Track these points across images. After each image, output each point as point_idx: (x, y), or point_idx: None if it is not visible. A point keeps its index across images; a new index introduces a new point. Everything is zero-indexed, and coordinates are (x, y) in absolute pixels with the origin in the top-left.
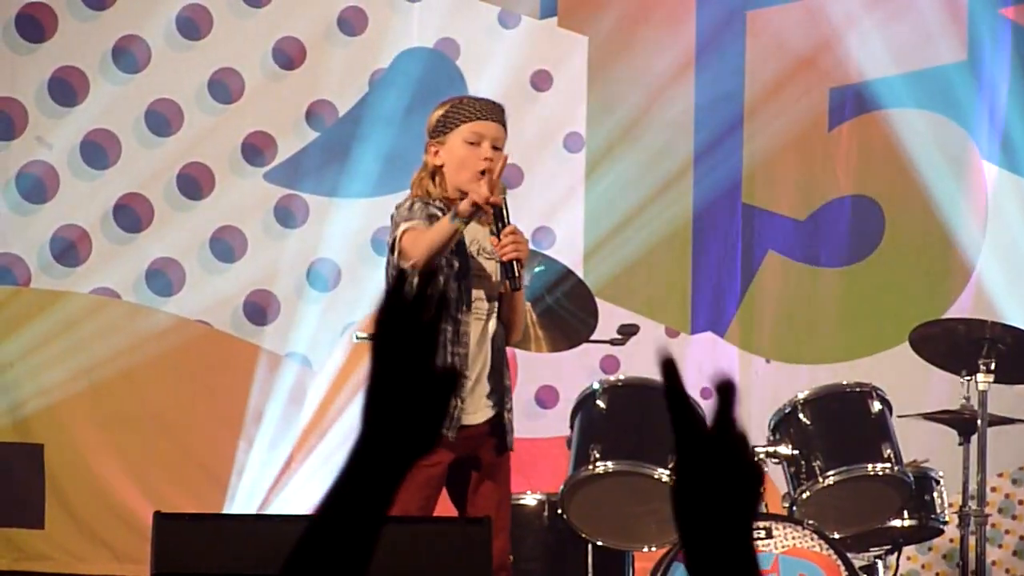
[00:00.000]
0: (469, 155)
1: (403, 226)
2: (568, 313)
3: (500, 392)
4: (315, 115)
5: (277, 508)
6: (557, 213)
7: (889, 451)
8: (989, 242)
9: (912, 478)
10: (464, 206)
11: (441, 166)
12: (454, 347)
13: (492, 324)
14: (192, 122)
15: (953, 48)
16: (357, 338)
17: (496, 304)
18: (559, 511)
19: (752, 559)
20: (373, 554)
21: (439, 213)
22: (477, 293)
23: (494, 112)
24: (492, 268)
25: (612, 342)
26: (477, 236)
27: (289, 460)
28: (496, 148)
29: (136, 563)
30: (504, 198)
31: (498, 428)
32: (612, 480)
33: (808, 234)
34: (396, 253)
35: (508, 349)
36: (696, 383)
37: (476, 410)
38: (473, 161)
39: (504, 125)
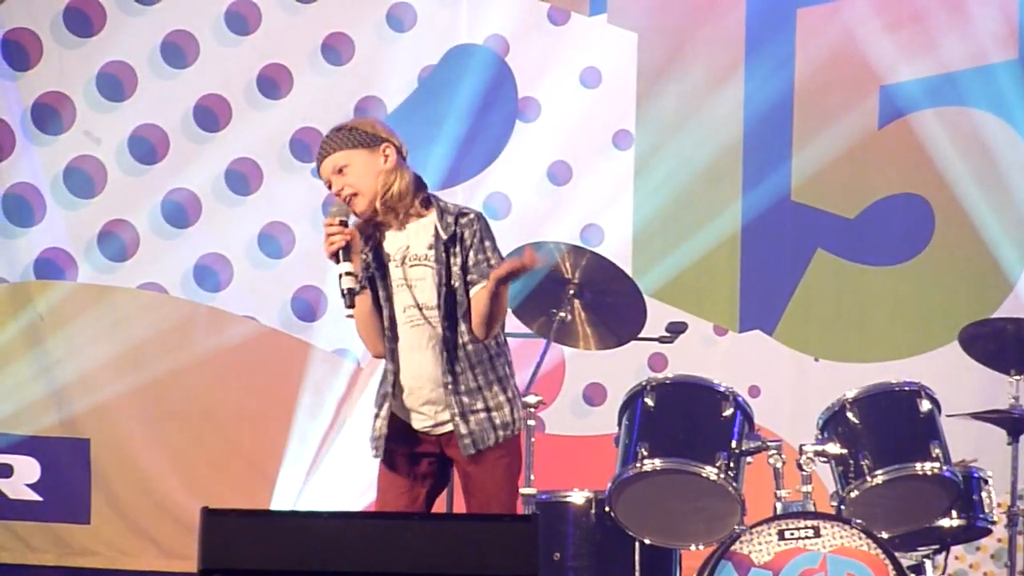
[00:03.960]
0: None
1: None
2: (616, 310)
3: (459, 396)
4: (364, 111)
5: (324, 504)
6: (606, 211)
7: (938, 450)
8: None
9: (960, 478)
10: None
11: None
12: (389, 362)
13: (435, 330)
14: (241, 118)
15: (1004, 47)
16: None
17: (443, 310)
18: (607, 509)
19: None
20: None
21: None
22: (407, 301)
23: (321, 151)
24: (424, 274)
25: (660, 340)
26: (408, 243)
27: (336, 457)
28: (340, 172)
29: (182, 559)
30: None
31: (457, 430)
32: (660, 478)
33: (858, 233)
34: None
35: (558, 348)
36: (744, 381)
37: (422, 417)
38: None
39: (335, 147)
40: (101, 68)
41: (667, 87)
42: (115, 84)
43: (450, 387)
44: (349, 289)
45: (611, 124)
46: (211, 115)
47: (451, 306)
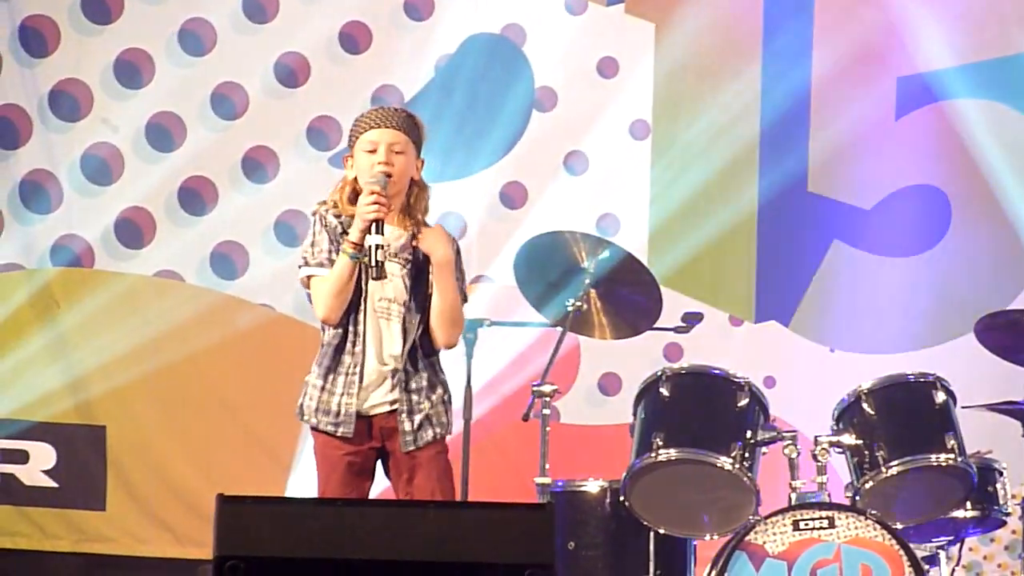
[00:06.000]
0: (367, 164)
1: (306, 271)
2: (632, 300)
3: (408, 392)
4: (381, 100)
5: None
6: (622, 200)
7: (952, 442)
8: None
9: (975, 469)
10: (357, 238)
11: (355, 178)
12: (352, 344)
13: (401, 325)
14: (257, 105)
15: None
16: None
17: (412, 307)
18: (621, 498)
19: None
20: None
21: (337, 224)
22: (382, 292)
23: (389, 119)
24: (397, 271)
25: (676, 330)
26: (390, 240)
27: None
28: (397, 152)
29: (198, 546)
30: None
31: (401, 426)
32: (674, 468)
33: (874, 223)
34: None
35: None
36: (760, 371)
37: (376, 403)
38: (369, 168)
39: (404, 129)
40: (118, 55)
41: (684, 77)
42: (132, 71)
43: (402, 384)
44: (380, 262)
45: (628, 114)
46: (228, 103)
47: (418, 306)
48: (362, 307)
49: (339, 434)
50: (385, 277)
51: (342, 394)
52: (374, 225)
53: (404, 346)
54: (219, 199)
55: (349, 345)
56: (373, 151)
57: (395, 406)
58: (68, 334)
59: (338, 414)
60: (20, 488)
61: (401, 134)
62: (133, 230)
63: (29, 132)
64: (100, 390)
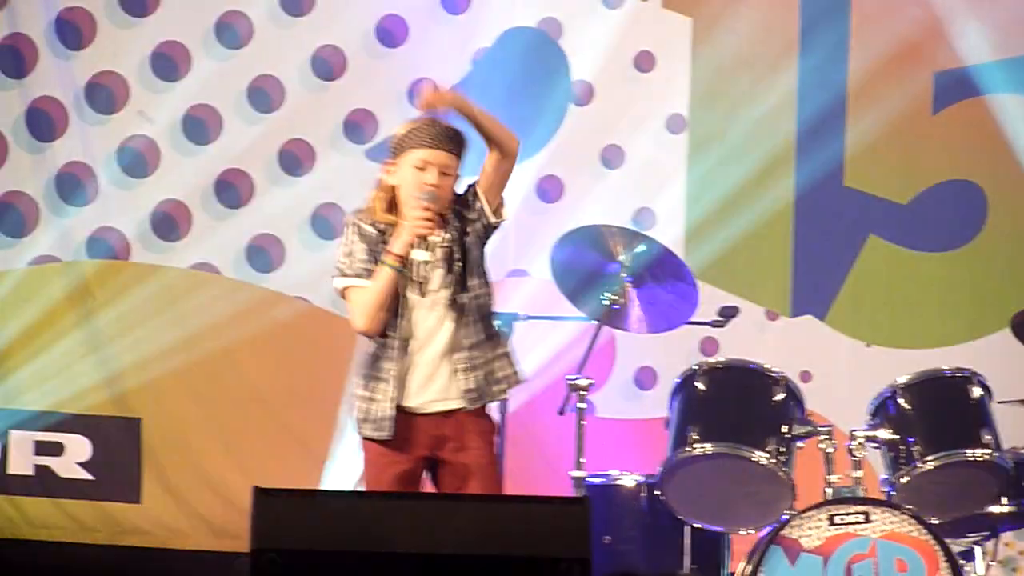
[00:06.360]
0: (414, 180)
1: (343, 283)
2: (668, 294)
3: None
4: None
5: None
6: (658, 194)
7: (988, 437)
8: None
9: (1011, 464)
10: (401, 251)
11: (394, 186)
12: (392, 350)
13: (445, 321)
14: (294, 98)
15: None
16: None
17: (453, 302)
18: (657, 492)
19: None
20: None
21: (375, 233)
22: (424, 291)
23: (445, 141)
24: (437, 278)
25: (712, 324)
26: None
27: None
28: (445, 175)
29: (233, 538)
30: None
31: (458, 418)
32: (710, 462)
33: (910, 218)
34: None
35: (608, 331)
36: (796, 366)
37: (429, 400)
38: (416, 187)
39: (457, 153)
40: (155, 48)
41: (721, 71)
42: (169, 64)
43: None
44: (426, 277)
45: (664, 108)
46: (264, 95)
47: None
48: (403, 312)
49: (381, 438)
50: (427, 295)
51: (386, 399)
52: (420, 241)
53: (451, 339)
54: (255, 192)
55: (390, 351)
56: (423, 169)
57: (447, 404)
58: (104, 327)
59: (380, 420)
60: (56, 481)
61: (454, 158)
62: (169, 223)
63: (66, 124)
64: (135, 382)
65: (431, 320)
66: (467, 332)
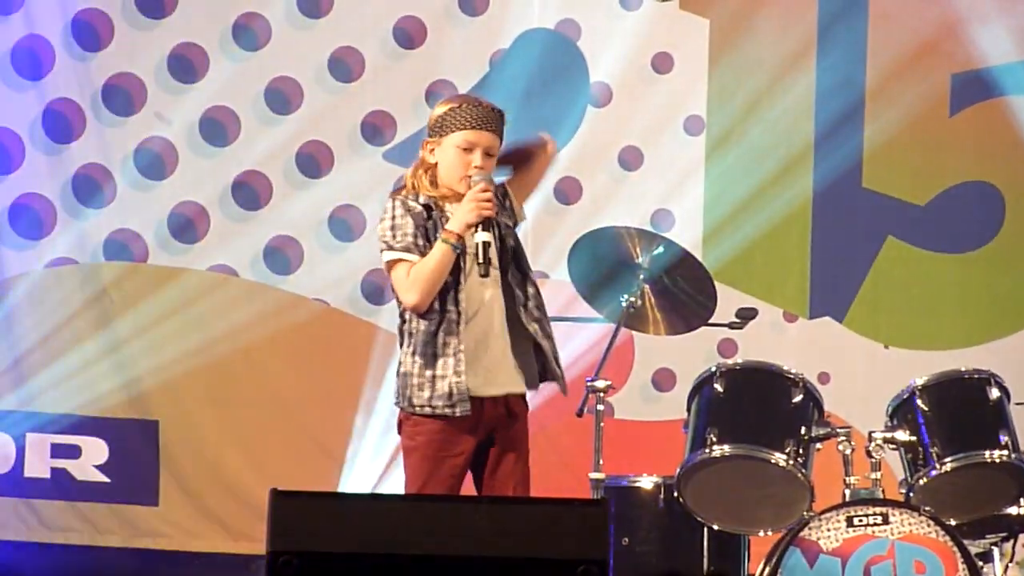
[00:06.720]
0: (459, 161)
1: (391, 255)
2: (686, 296)
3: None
4: (435, 95)
5: (392, 487)
6: (676, 195)
7: (1007, 438)
8: None
9: None
10: (460, 230)
11: (435, 164)
12: (457, 324)
13: (506, 291)
14: (312, 100)
15: None
16: None
17: (509, 271)
18: (675, 494)
19: None
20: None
21: (421, 210)
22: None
23: (490, 122)
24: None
25: (730, 326)
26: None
27: None
28: (489, 155)
29: (250, 540)
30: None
31: (512, 402)
32: (729, 464)
33: (928, 220)
34: (392, 286)
35: (627, 333)
36: (814, 367)
37: (496, 379)
38: (462, 167)
39: (499, 133)
40: (172, 49)
41: (738, 73)
42: (186, 66)
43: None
44: (489, 259)
45: (682, 110)
46: (282, 97)
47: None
48: (465, 290)
49: (457, 414)
50: (490, 275)
51: (458, 375)
52: (482, 222)
53: (511, 321)
54: (273, 194)
55: (453, 327)
56: (468, 150)
57: (508, 388)
58: (121, 329)
59: (451, 395)
60: (72, 483)
61: (497, 139)
62: (187, 225)
63: (83, 126)
64: (153, 384)
65: (492, 300)
66: (527, 317)
